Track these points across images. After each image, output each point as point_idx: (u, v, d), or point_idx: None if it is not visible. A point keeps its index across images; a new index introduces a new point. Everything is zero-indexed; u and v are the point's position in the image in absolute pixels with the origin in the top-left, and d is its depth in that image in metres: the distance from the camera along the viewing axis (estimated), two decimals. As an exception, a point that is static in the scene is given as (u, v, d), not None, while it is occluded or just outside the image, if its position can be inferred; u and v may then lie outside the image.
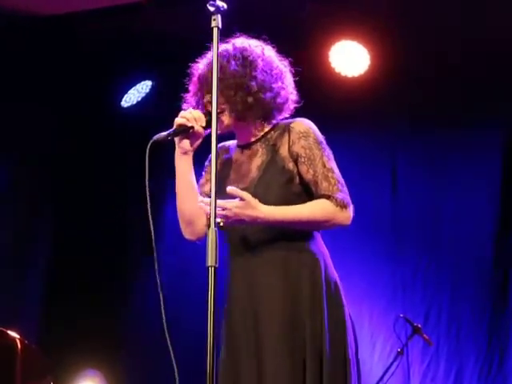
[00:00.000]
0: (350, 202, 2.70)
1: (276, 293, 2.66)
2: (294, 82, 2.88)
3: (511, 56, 5.13)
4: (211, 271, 2.23)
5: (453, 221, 5.29)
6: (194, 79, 2.82)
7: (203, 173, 2.90)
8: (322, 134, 2.79)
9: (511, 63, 5.13)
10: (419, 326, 4.85)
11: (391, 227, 5.40)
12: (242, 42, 2.84)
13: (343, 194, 2.68)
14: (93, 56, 5.68)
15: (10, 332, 3.81)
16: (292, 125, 2.77)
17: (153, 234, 2.46)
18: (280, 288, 2.66)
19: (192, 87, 2.83)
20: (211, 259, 2.24)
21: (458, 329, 5.14)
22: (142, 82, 5.96)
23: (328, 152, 2.74)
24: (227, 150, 2.94)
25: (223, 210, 2.57)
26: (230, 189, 2.60)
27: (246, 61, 2.77)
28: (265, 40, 2.89)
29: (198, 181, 2.83)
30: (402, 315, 4.92)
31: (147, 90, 5.94)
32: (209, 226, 2.67)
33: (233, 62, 2.75)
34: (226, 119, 2.76)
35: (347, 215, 2.68)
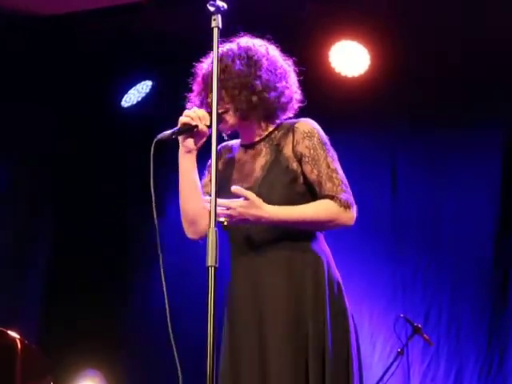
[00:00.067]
0: (354, 202, 2.70)
1: (280, 292, 2.66)
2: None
3: (511, 56, 5.13)
4: (211, 271, 2.23)
5: (453, 221, 5.29)
6: (198, 79, 2.82)
7: (206, 172, 2.90)
8: (323, 134, 2.79)
9: (511, 63, 5.13)
10: (419, 326, 4.85)
11: (391, 227, 5.40)
12: (246, 41, 2.84)
13: (347, 195, 2.69)
14: (93, 56, 5.68)
15: (10, 332, 3.80)
16: (296, 125, 2.77)
17: (158, 234, 2.46)
18: (284, 288, 2.66)
19: (196, 87, 2.83)
20: (211, 259, 2.24)
21: (457, 329, 5.14)
22: (142, 82, 5.96)
23: (332, 153, 2.75)
24: (230, 149, 2.94)
25: (227, 209, 2.57)
26: (234, 188, 2.60)
27: (250, 60, 2.77)
28: (269, 39, 2.89)
29: (200, 180, 2.83)
30: (402, 315, 4.92)
31: (147, 90, 5.94)
32: (216, 224, 2.69)
33: (237, 62, 2.75)
34: (231, 118, 2.76)
35: (351, 216, 2.68)
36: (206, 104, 2.76)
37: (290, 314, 2.64)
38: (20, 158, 5.65)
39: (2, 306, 5.15)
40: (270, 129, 2.83)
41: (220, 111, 2.72)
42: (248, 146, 2.85)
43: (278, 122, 2.84)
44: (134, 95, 5.97)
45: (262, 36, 2.89)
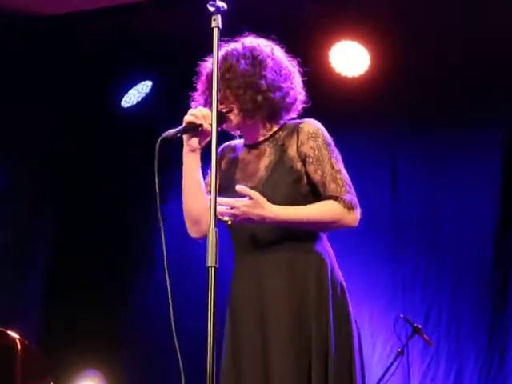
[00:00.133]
0: (358, 203, 2.70)
1: (281, 294, 2.66)
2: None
3: (511, 56, 5.13)
4: (211, 271, 2.23)
5: (453, 221, 5.29)
6: (202, 78, 2.81)
7: (209, 171, 2.89)
8: (324, 134, 2.79)
9: (511, 63, 5.13)
10: (419, 326, 4.85)
11: (391, 227, 5.40)
12: (251, 41, 2.84)
13: (351, 196, 2.69)
14: (93, 56, 5.68)
15: (10, 332, 3.80)
16: (301, 125, 2.77)
17: (162, 233, 2.46)
18: (286, 289, 2.66)
19: (200, 85, 2.82)
20: (211, 259, 2.24)
21: (458, 329, 5.14)
22: (142, 82, 5.96)
23: (336, 153, 2.75)
24: (233, 148, 2.94)
25: (232, 208, 2.57)
26: (239, 187, 2.60)
27: (255, 60, 2.77)
28: (273, 40, 2.89)
29: (204, 179, 2.82)
30: (402, 315, 4.92)
31: (147, 90, 5.94)
32: (216, 224, 2.69)
33: (242, 61, 2.75)
34: (235, 118, 2.76)
35: (354, 217, 2.68)
36: (210, 103, 2.75)
37: (292, 316, 2.64)
38: (20, 157, 5.65)
39: (2, 305, 5.15)
40: (274, 129, 2.83)
41: (224, 110, 2.72)
42: (252, 146, 2.85)
43: (281, 122, 2.84)
44: (134, 95, 5.97)
45: (266, 36, 2.89)
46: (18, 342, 3.78)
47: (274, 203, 2.62)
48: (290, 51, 2.92)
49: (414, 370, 5.12)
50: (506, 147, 5.26)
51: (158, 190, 2.47)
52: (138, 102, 5.95)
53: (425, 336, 4.86)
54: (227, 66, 2.74)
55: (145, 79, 5.96)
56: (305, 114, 2.88)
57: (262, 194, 2.62)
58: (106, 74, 5.78)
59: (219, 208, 2.56)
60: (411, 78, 5.26)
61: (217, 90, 2.49)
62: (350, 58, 5.43)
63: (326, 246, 2.76)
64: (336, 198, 2.67)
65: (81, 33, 5.61)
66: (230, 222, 2.61)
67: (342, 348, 2.64)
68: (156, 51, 5.57)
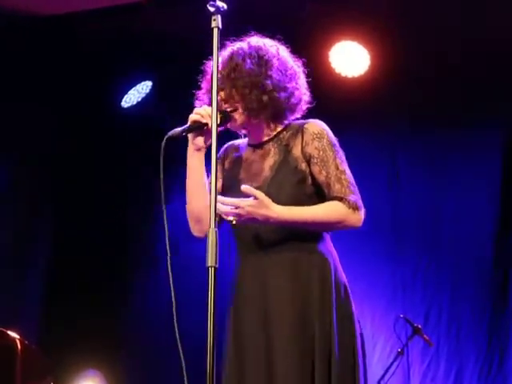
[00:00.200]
0: (362, 204, 2.70)
1: (285, 294, 2.66)
2: None
3: (511, 56, 5.13)
4: (211, 271, 2.23)
5: (453, 221, 5.29)
6: (208, 77, 2.80)
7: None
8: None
9: (511, 63, 5.13)
10: (419, 326, 4.85)
11: (391, 227, 5.40)
12: (256, 40, 2.84)
13: (355, 197, 2.69)
14: (93, 56, 5.68)
15: (10, 332, 3.80)
16: (306, 126, 2.77)
17: (167, 233, 2.45)
18: (289, 289, 2.66)
19: (205, 84, 2.81)
20: (211, 259, 2.24)
21: (458, 329, 5.14)
22: (142, 83, 5.96)
23: (341, 154, 2.75)
24: (237, 148, 2.93)
25: (236, 208, 2.57)
26: (244, 187, 2.60)
27: (261, 60, 2.76)
28: (279, 40, 2.89)
29: (208, 178, 2.81)
30: (402, 315, 4.92)
31: (147, 91, 5.94)
32: (219, 223, 2.69)
33: (248, 61, 2.75)
34: (240, 117, 2.75)
35: (359, 217, 2.69)
36: None
37: (296, 316, 2.64)
38: (20, 157, 5.65)
39: (2, 305, 5.15)
40: (279, 129, 2.83)
41: (229, 110, 2.72)
42: (256, 146, 2.85)
43: (286, 122, 2.83)
44: (134, 95, 5.97)
45: (271, 36, 2.89)
46: (18, 342, 3.78)
47: (278, 203, 2.62)
48: (290, 51, 2.92)
49: (413, 370, 5.12)
50: (506, 147, 5.26)
51: (162, 189, 2.47)
52: (138, 102, 5.95)
53: (425, 336, 4.86)
54: (233, 65, 2.74)
55: (145, 79, 5.96)
56: (305, 114, 2.87)
57: (267, 193, 2.61)
58: (106, 74, 5.78)
59: (224, 207, 2.57)
60: (411, 78, 5.26)
61: (219, 90, 2.50)
62: (349, 58, 5.43)
63: (329, 247, 2.76)
64: (341, 199, 2.67)
65: (81, 33, 5.61)
66: (234, 222, 2.61)
67: (345, 348, 2.64)
68: (156, 51, 5.57)
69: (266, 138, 2.83)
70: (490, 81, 5.19)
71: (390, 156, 5.51)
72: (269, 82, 2.73)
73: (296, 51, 2.93)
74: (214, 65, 2.41)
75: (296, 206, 2.65)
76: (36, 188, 5.81)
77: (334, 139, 2.77)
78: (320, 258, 2.70)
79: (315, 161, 2.71)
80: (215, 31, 2.42)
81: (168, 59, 5.55)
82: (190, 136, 2.71)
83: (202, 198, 2.73)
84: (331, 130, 2.82)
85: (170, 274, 2.38)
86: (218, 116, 2.64)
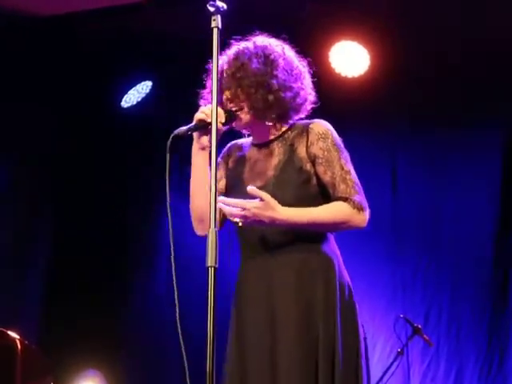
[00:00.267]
0: (367, 204, 2.70)
1: (290, 295, 2.65)
2: None
3: (511, 56, 5.13)
4: (211, 271, 2.23)
5: (453, 221, 5.29)
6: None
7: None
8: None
9: (511, 63, 5.13)
10: (419, 326, 4.85)
11: (391, 227, 5.40)
12: (262, 40, 2.84)
13: (360, 197, 2.69)
14: (93, 56, 5.68)
15: (10, 332, 3.80)
16: (311, 126, 2.77)
17: (171, 232, 2.45)
18: (294, 290, 2.66)
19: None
20: (211, 260, 2.25)
21: (458, 329, 5.15)
22: (142, 83, 5.96)
23: (346, 154, 2.75)
24: (240, 147, 2.93)
25: (242, 210, 2.57)
26: (250, 188, 2.59)
27: (267, 59, 2.76)
28: (284, 40, 2.89)
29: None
30: (402, 316, 4.92)
31: (147, 91, 5.94)
32: (222, 222, 2.68)
33: (254, 60, 2.74)
34: (245, 116, 2.75)
35: (363, 218, 2.69)
36: (219, 101, 2.75)
37: (300, 317, 2.63)
38: (20, 158, 5.65)
39: (2, 305, 5.15)
40: (284, 129, 2.82)
41: (234, 109, 2.72)
42: (260, 145, 2.84)
43: (291, 122, 2.83)
44: (134, 95, 5.97)
45: (277, 36, 2.89)
46: (18, 342, 3.77)
47: (283, 203, 2.61)
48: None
49: (414, 369, 5.12)
50: (506, 147, 5.26)
51: (168, 189, 2.47)
52: (138, 102, 5.95)
53: (425, 336, 4.86)
54: (238, 64, 2.74)
55: (145, 79, 5.96)
56: (308, 114, 2.88)
57: (272, 194, 2.61)
58: (106, 74, 5.78)
59: (229, 209, 2.56)
60: (411, 78, 5.26)
61: (225, 89, 2.50)
62: (350, 58, 5.43)
63: (333, 247, 2.76)
64: (345, 199, 2.67)
65: (81, 33, 5.61)
66: (240, 224, 2.60)
67: (349, 349, 2.64)
68: (156, 51, 5.57)
69: (270, 138, 2.82)
70: (490, 81, 5.19)
71: (390, 156, 5.51)
72: (274, 81, 2.72)
73: (296, 51, 2.93)
74: (214, 65, 2.41)
75: (300, 206, 2.65)
76: (36, 188, 5.81)
77: (339, 139, 2.77)
78: (325, 259, 2.70)
79: (320, 161, 2.71)
80: (215, 31, 2.42)
81: (168, 59, 5.55)
82: (194, 135, 2.71)
83: (206, 197, 2.71)
84: (331, 130, 2.82)
85: (174, 273, 2.38)
86: (224, 115, 2.65)
